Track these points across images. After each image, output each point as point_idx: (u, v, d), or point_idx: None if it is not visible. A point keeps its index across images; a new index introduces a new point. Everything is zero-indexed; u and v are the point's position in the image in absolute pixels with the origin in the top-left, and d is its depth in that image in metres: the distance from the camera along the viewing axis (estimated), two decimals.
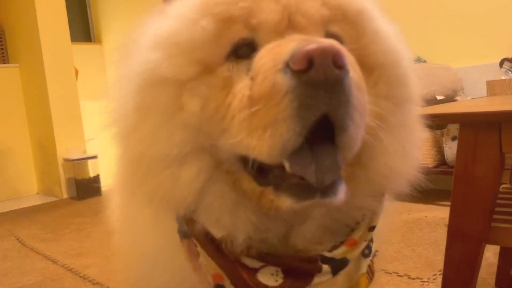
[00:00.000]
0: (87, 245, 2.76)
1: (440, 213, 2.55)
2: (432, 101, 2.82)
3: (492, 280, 1.70)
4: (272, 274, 0.65)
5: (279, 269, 0.65)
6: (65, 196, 4.49)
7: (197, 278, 0.70)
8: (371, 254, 0.73)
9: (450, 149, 2.81)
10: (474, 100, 2.25)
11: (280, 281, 0.64)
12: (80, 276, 2.24)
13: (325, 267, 0.66)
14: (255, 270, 0.65)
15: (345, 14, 0.64)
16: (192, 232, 0.68)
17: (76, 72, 4.69)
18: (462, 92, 2.98)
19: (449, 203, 1.26)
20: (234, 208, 0.63)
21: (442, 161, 2.93)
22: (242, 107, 0.56)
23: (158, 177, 0.62)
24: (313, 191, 0.56)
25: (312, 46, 0.51)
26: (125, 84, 0.65)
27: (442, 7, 3.19)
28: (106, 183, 4.53)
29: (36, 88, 4.58)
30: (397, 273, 1.87)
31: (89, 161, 4.49)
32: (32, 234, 3.15)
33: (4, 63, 4.89)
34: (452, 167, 1.27)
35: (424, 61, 3.20)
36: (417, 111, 0.72)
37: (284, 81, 0.53)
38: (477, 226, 1.20)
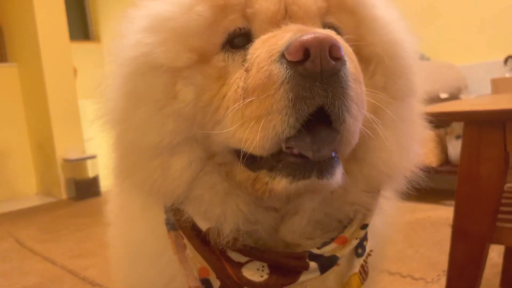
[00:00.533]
0: (87, 246, 2.75)
1: (444, 213, 2.53)
2: (435, 99, 2.79)
3: (496, 280, 1.69)
4: (257, 269, 0.64)
5: (265, 265, 0.64)
6: (64, 196, 4.47)
7: (183, 271, 0.69)
8: (365, 254, 0.71)
9: (454, 148, 2.79)
10: (478, 98, 2.23)
11: (265, 276, 0.63)
12: (79, 277, 2.22)
13: (312, 265, 0.64)
14: (240, 265, 0.64)
15: (342, 3, 0.63)
16: (179, 224, 0.67)
17: (75, 71, 4.68)
18: (466, 90, 2.96)
19: (453, 203, 1.25)
20: (225, 198, 0.62)
21: (445, 160, 2.91)
22: (236, 99, 0.56)
23: (149, 167, 0.61)
24: (309, 169, 0.54)
25: (308, 36, 0.51)
26: (117, 70, 0.64)
27: (446, 5, 3.17)
28: (105, 184, 4.53)
29: (34, 87, 4.56)
30: (400, 273, 1.85)
31: (88, 161, 4.47)
32: (31, 235, 3.14)
33: (2, 61, 4.86)
34: (456, 166, 1.25)
35: (428, 59, 3.18)
36: (418, 105, 0.70)
37: (280, 72, 0.52)
38: (481, 226, 1.19)
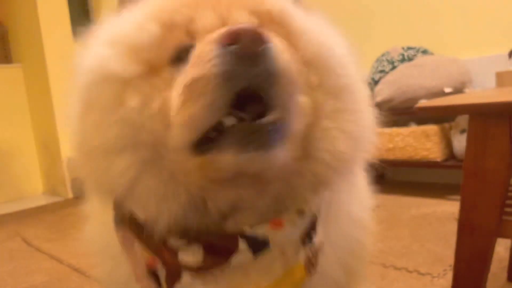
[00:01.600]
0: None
1: (450, 208, 2.52)
2: (440, 94, 2.79)
3: (503, 274, 1.68)
4: (193, 253, 0.68)
5: (200, 246, 0.68)
6: (70, 195, 4.49)
7: (130, 266, 0.75)
8: (311, 244, 0.73)
9: (459, 143, 2.78)
10: (483, 91, 2.22)
11: (200, 258, 0.68)
12: (86, 276, 2.23)
13: (242, 245, 0.67)
14: (177, 249, 0.69)
15: (271, 17, 0.70)
16: (122, 216, 0.73)
17: None
18: (471, 84, 2.94)
19: (458, 198, 1.25)
20: (161, 202, 0.67)
21: (450, 155, 2.89)
22: (179, 94, 0.61)
23: (93, 164, 0.68)
24: (249, 140, 0.58)
25: (240, 26, 0.59)
26: (77, 79, 0.72)
27: None
28: None
29: (39, 88, 4.58)
30: (407, 268, 1.85)
31: None
32: (38, 234, 3.16)
33: (7, 63, 4.89)
34: (461, 160, 1.25)
35: (431, 53, 3.17)
36: (359, 97, 0.75)
37: (212, 50, 0.58)
38: (488, 220, 1.19)
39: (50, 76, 4.38)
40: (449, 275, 1.46)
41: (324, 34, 0.74)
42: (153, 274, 0.72)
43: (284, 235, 0.70)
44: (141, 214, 0.69)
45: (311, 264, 0.73)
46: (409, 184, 3.21)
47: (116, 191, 0.67)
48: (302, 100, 0.66)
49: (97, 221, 0.89)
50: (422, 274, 1.79)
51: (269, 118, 0.59)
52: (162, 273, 0.71)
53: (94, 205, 0.90)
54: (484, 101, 1.20)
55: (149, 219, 0.68)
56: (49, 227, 3.35)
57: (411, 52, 3.16)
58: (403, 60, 3.15)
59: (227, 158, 0.59)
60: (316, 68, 0.70)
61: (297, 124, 0.63)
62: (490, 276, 1.25)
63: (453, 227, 1.29)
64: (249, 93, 0.58)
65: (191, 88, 0.59)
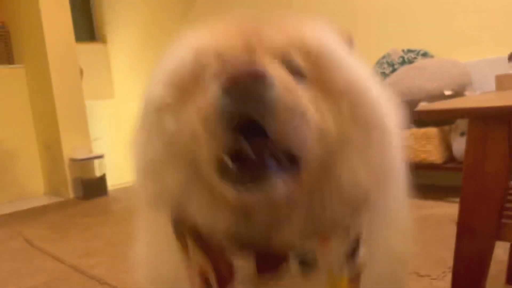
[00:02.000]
0: (94, 244, 2.77)
1: (450, 210, 2.52)
2: (440, 96, 2.79)
3: (502, 276, 1.68)
4: (245, 259, 0.71)
5: (252, 253, 0.71)
6: (71, 196, 4.51)
7: (187, 271, 0.78)
8: (357, 263, 0.74)
9: (459, 145, 2.79)
10: (483, 94, 2.23)
11: (251, 264, 0.71)
12: (87, 276, 2.25)
13: (291, 256, 0.70)
14: (231, 255, 0.72)
15: (308, 50, 0.71)
16: (183, 227, 0.76)
17: (81, 72, 4.71)
18: (471, 87, 2.95)
19: (458, 200, 1.25)
20: (212, 208, 0.70)
21: (450, 157, 2.90)
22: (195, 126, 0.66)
23: (148, 179, 0.73)
24: (248, 181, 0.62)
25: (242, 68, 0.62)
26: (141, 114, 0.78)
27: (450, 1, 3.16)
28: (112, 183, 4.56)
29: (41, 89, 4.60)
30: None
31: (95, 161, 4.50)
32: (40, 234, 3.17)
33: (10, 64, 4.91)
34: (461, 163, 1.25)
35: (432, 56, 3.18)
36: (389, 135, 0.75)
37: (216, 92, 0.62)
38: (487, 223, 1.19)
39: (52, 77, 4.40)
40: (448, 277, 1.46)
41: (359, 72, 0.75)
42: (206, 280, 0.75)
43: (331, 251, 0.72)
44: (199, 220, 0.72)
45: (354, 283, 0.74)
46: (409, 186, 3.20)
47: (167, 204, 0.73)
48: (316, 131, 0.66)
49: (144, 242, 0.93)
50: (422, 276, 1.79)
51: (267, 150, 0.61)
52: (212, 278, 0.74)
53: (143, 223, 0.94)
54: (484, 105, 1.21)
55: (207, 225, 0.71)
56: (51, 227, 3.36)
57: (412, 55, 3.17)
58: (403, 62, 3.16)
59: (228, 191, 0.64)
60: (349, 101, 0.71)
61: (307, 154, 0.65)
62: (488, 278, 1.25)
63: (452, 229, 1.29)
64: (256, 126, 0.61)
65: (200, 122, 0.65)
